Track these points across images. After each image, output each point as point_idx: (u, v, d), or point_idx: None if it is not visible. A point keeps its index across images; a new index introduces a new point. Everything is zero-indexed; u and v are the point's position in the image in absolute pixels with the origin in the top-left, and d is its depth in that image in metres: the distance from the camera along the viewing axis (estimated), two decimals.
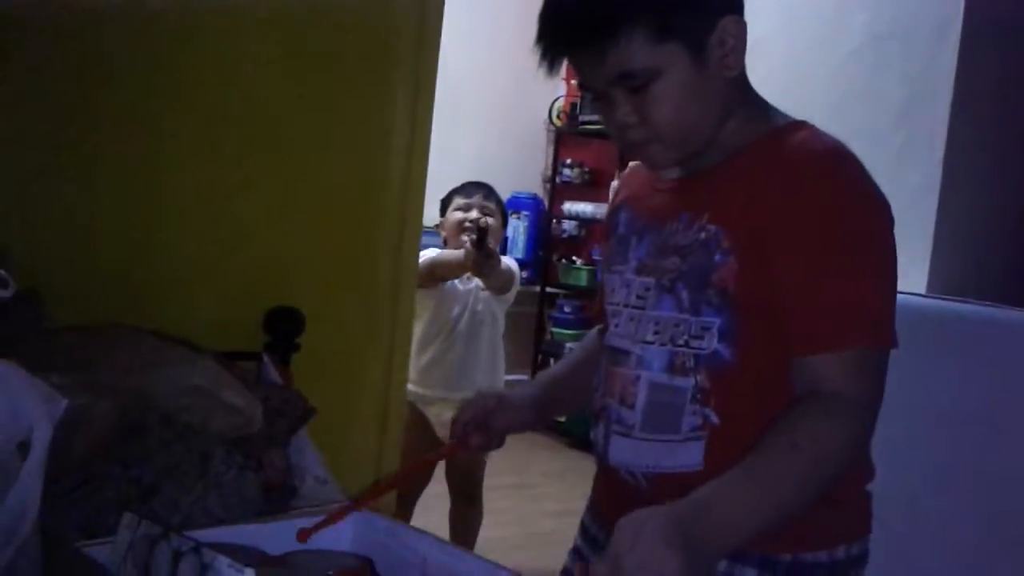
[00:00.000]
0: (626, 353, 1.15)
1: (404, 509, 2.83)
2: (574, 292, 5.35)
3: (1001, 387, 1.85)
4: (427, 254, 2.82)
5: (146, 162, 1.71)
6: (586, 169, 5.50)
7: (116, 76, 1.67)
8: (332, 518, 1.12)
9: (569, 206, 5.33)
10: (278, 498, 1.39)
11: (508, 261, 3.09)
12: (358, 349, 1.97)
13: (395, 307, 2.00)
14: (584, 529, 1.31)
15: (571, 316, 5.31)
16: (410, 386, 2.93)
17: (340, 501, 1.54)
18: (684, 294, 1.09)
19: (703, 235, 1.08)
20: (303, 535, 1.09)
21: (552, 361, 5.48)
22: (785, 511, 0.99)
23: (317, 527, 1.09)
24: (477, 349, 2.99)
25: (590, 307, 5.44)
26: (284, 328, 1.78)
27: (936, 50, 2.77)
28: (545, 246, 5.47)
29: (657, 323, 1.11)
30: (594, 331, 1.42)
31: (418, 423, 2.89)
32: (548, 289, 5.43)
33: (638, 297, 1.15)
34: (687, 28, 1.05)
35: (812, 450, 0.99)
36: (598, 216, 5.13)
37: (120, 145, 1.69)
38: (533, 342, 5.46)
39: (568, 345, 5.18)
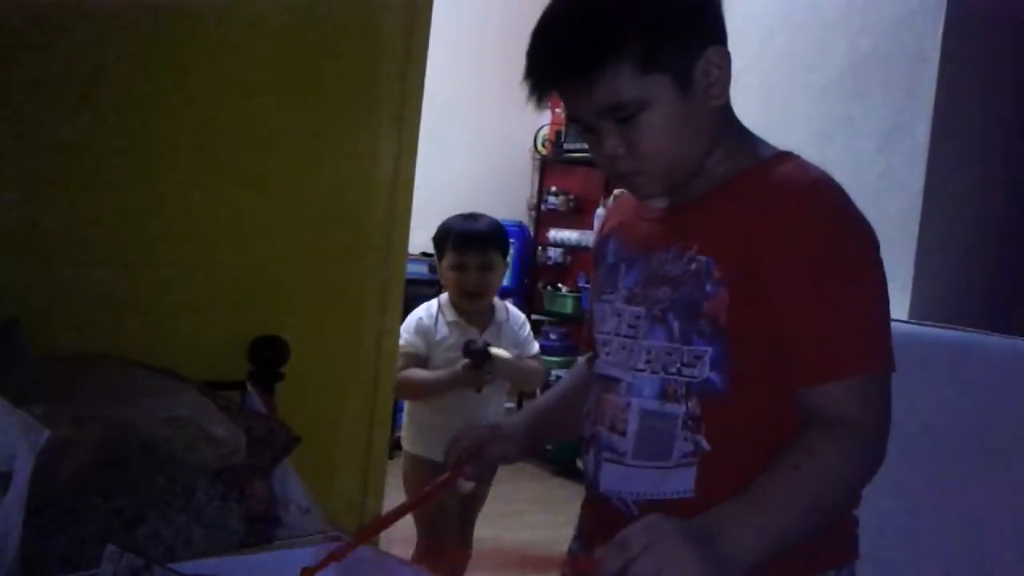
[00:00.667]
0: (617, 381, 1.15)
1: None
2: (560, 319, 5.35)
3: (984, 412, 1.86)
4: (406, 357, 2.51)
5: (131, 190, 1.71)
6: (571, 197, 5.52)
7: (103, 113, 1.68)
8: (336, 555, 1.10)
9: (554, 233, 5.35)
10: (262, 529, 1.38)
11: (534, 351, 2.81)
12: (343, 378, 1.96)
13: (380, 335, 2.00)
14: (573, 558, 1.30)
15: (557, 343, 5.30)
16: (409, 447, 2.68)
17: (325, 531, 1.53)
18: (675, 324, 1.10)
19: (693, 266, 1.09)
20: (308, 573, 1.07)
21: (538, 389, 5.47)
22: (790, 533, 1.01)
23: (321, 565, 1.07)
24: (486, 413, 2.67)
25: (576, 334, 5.45)
26: (268, 357, 1.77)
27: (916, 77, 2.81)
28: (531, 274, 5.48)
29: (649, 352, 1.12)
30: (582, 360, 1.42)
31: (423, 472, 2.63)
32: (534, 316, 5.43)
33: (629, 326, 1.15)
34: (673, 60, 1.06)
35: (813, 471, 1.01)
36: (583, 243, 5.14)
37: (104, 172, 1.69)
38: None
39: (554, 372, 5.16)
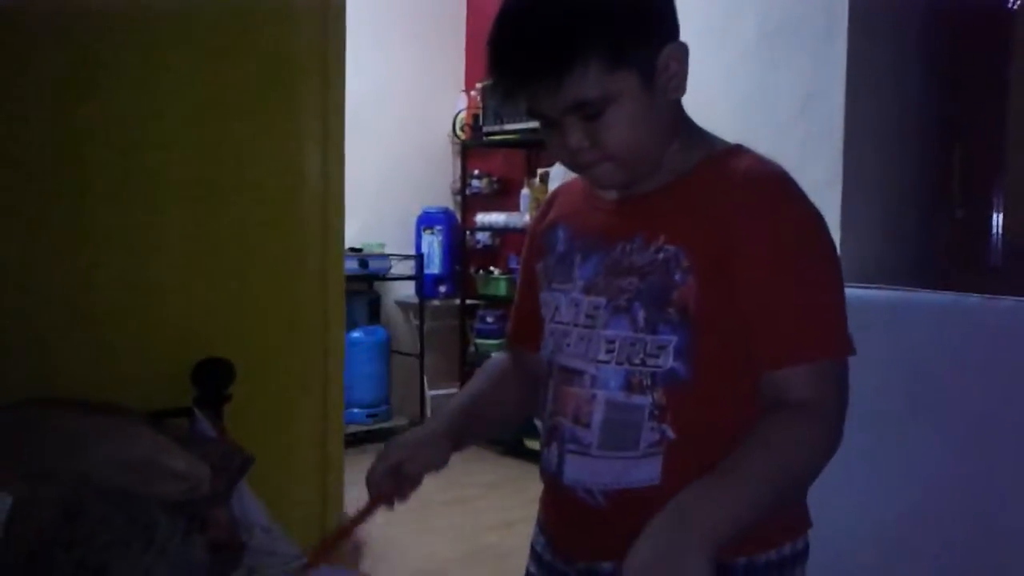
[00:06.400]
0: (579, 373, 1.16)
1: None
2: (494, 302, 5.35)
3: (915, 365, 1.92)
4: None
5: (61, 216, 1.67)
6: (495, 179, 5.50)
7: (23, 140, 1.62)
8: None
9: (482, 217, 5.32)
10: (229, 557, 1.37)
11: None
12: (292, 392, 1.95)
13: (325, 344, 1.99)
14: (536, 556, 1.30)
15: (494, 326, 5.30)
16: None
17: (288, 553, 1.52)
18: (640, 313, 1.11)
19: (662, 255, 1.11)
20: None
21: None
22: (760, 508, 1.03)
23: None
24: None
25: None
26: (213, 379, 1.75)
27: (826, 45, 2.85)
28: (461, 259, 5.47)
29: (610, 342, 1.13)
30: (499, 356, 1.39)
31: None
32: (468, 301, 5.43)
33: (587, 316, 1.16)
34: (639, 56, 1.07)
35: (783, 448, 1.03)
36: (512, 225, 5.13)
37: (34, 201, 1.64)
38: (458, 355, 5.47)
39: (494, 355, 5.16)
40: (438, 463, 1.24)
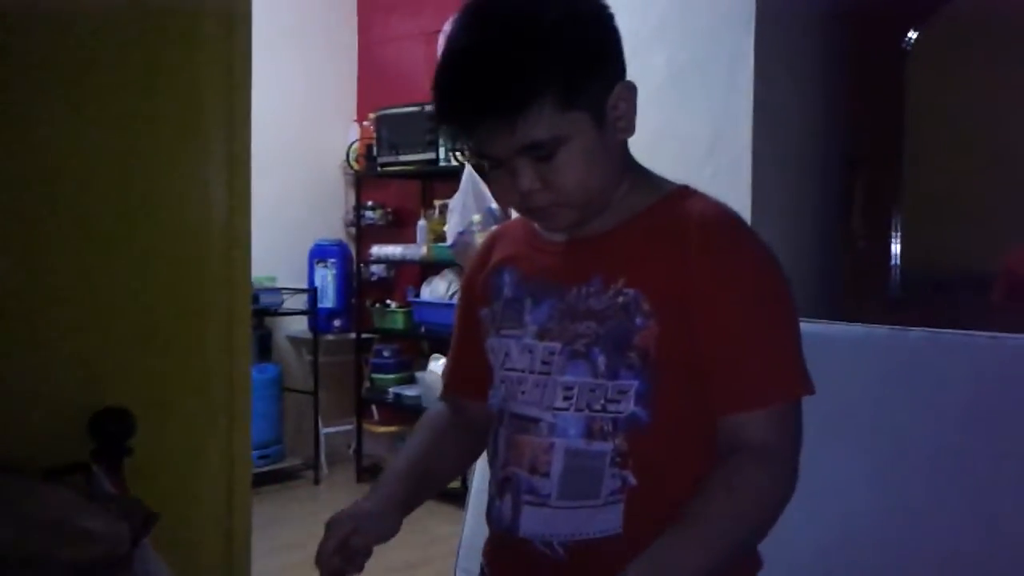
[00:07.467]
0: (535, 421, 1.13)
1: None
2: (390, 335, 5.26)
3: (828, 397, 1.94)
4: None
5: None
6: (389, 210, 5.44)
7: None
8: None
9: (377, 249, 5.24)
10: None
11: None
12: (196, 443, 1.83)
13: (231, 391, 1.88)
14: None
15: (390, 360, 5.21)
16: None
17: None
18: (601, 358, 1.09)
19: (621, 299, 1.09)
20: None
21: (375, 408, 5.36)
22: (726, 556, 1.04)
23: None
24: None
25: (410, 348, 5.35)
26: (112, 431, 1.63)
27: (732, 86, 2.92)
28: (356, 292, 5.37)
29: (568, 388, 1.10)
30: (437, 407, 1.35)
31: None
32: (364, 335, 5.32)
33: (543, 363, 1.13)
34: (591, 96, 1.06)
35: (745, 497, 1.04)
36: (408, 257, 5.07)
37: None
38: (353, 391, 5.35)
39: (392, 390, 5.08)
40: (387, 534, 1.18)
